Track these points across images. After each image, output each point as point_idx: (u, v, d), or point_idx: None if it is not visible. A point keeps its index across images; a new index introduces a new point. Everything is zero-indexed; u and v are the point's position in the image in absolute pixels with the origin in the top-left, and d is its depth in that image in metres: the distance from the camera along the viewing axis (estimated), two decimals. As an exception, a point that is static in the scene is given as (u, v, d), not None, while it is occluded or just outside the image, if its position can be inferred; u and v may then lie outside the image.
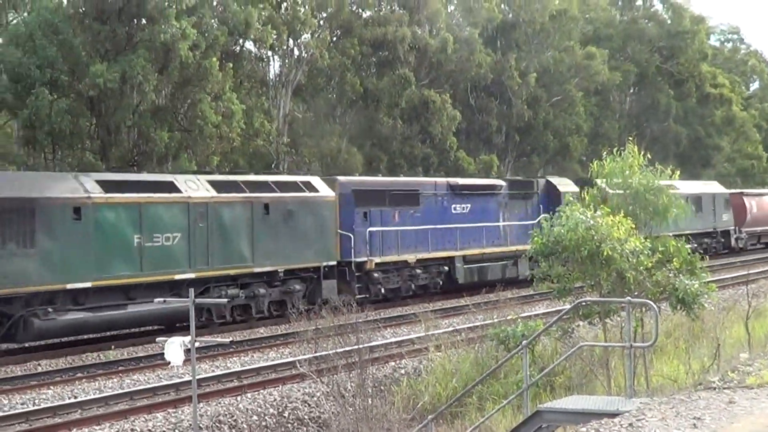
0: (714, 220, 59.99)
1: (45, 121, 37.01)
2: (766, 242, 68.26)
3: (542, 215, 39.80)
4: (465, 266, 40.18)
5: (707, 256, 27.26)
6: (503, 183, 43.85)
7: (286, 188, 32.84)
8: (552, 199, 43.62)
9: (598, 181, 22.72)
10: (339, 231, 34.65)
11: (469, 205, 40.82)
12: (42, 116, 36.81)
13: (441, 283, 39.37)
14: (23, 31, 37.94)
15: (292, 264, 32.49)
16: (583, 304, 19.31)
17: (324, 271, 33.62)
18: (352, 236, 34.77)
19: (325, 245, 33.73)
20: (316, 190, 33.81)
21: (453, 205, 40.16)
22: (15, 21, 43.11)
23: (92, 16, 39.33)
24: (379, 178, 39.89)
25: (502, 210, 42.93)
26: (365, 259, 35.54)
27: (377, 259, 36.02)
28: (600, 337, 21.04)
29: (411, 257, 37.63)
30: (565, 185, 45.69)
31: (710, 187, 63.08)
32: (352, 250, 34.76)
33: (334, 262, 34.05)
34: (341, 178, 36.71)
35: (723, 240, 61.62)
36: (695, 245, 48.37)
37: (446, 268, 39.44)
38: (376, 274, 36.00)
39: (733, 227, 62.38)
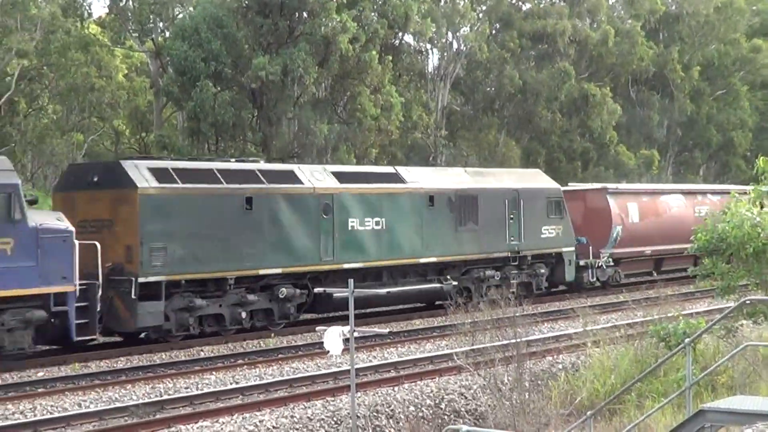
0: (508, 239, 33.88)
1: (209, 113, 37.86)
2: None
3: None
4: None
5: None
6: None
7: None
8: None
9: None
10: None
11: None
12: (206, 108, 37.68)
13: None
14: (189, 25, 38.83)
15: None
16: (748, 302, 18.84)
17: None
18: None
19: None
20: None
21: None
22: (181, 15, 44.23)
23: (255, 10, 40.07)
24: None
25: None
26: None
27: None
28: (765, 336, 20.52)
29: None
30: None
31: (512, 179, 35.26)
32: None
33: None
34: None
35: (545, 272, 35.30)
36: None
37: None
38: None
39: (570, 248, 36.02)
